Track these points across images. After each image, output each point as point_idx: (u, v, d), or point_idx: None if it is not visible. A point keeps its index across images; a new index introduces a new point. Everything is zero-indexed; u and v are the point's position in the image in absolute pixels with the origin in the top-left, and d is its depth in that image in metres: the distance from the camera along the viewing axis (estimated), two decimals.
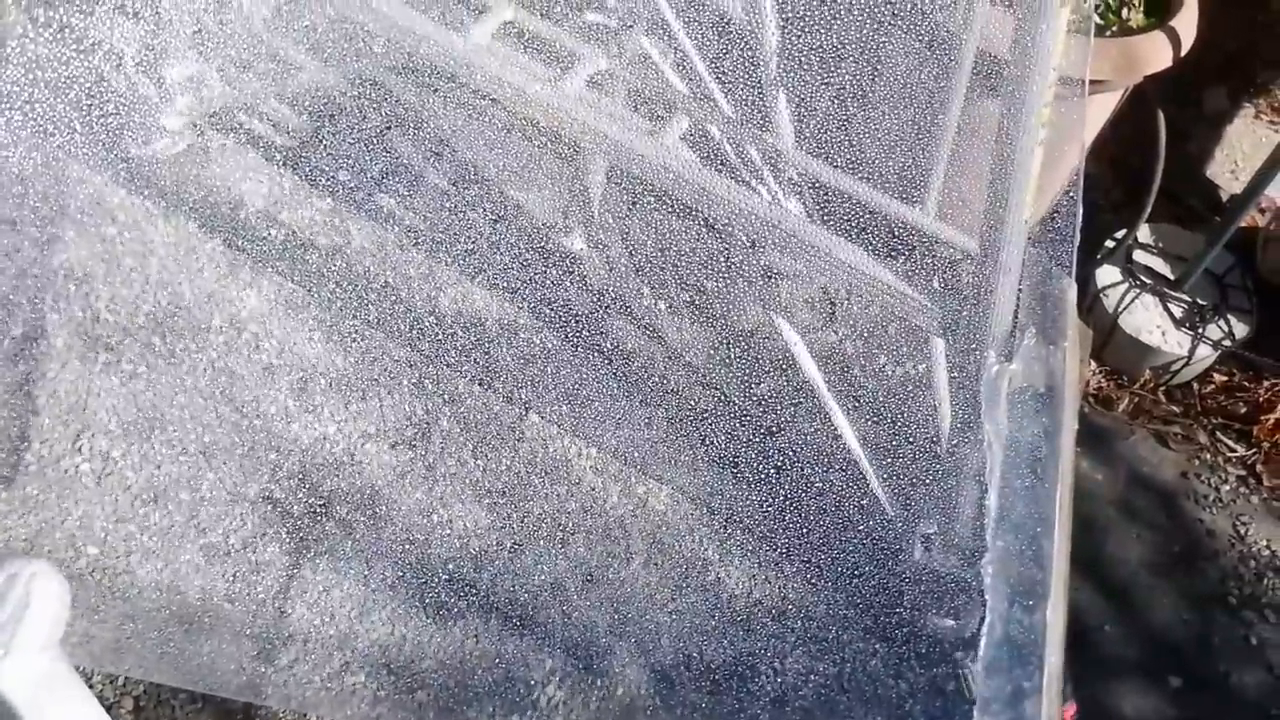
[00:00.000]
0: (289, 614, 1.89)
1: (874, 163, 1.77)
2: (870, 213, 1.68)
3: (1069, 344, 1.42)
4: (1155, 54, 2.17)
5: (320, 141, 2.20)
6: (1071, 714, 1.73)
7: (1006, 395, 1.38)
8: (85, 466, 1.98)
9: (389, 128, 2.26)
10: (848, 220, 1.69)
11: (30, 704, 1.08)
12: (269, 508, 1.96)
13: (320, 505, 1.97)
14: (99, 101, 2.08)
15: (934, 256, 1.65)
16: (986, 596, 1.25)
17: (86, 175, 2.21)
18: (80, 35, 1.97)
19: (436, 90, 1.91)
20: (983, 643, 1.22)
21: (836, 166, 1.73)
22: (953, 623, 1.69)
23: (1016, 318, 1.43)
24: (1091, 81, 2.15)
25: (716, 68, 1.83)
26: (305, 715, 1.96)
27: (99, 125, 2.09)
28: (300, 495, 1.98)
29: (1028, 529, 1.30)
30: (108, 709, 1.93)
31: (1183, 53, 2.20)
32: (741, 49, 1.74)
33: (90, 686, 1.97)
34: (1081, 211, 1.43)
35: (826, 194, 1.75)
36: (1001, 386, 1.38)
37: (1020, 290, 1.43)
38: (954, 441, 1.69)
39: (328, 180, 2.23)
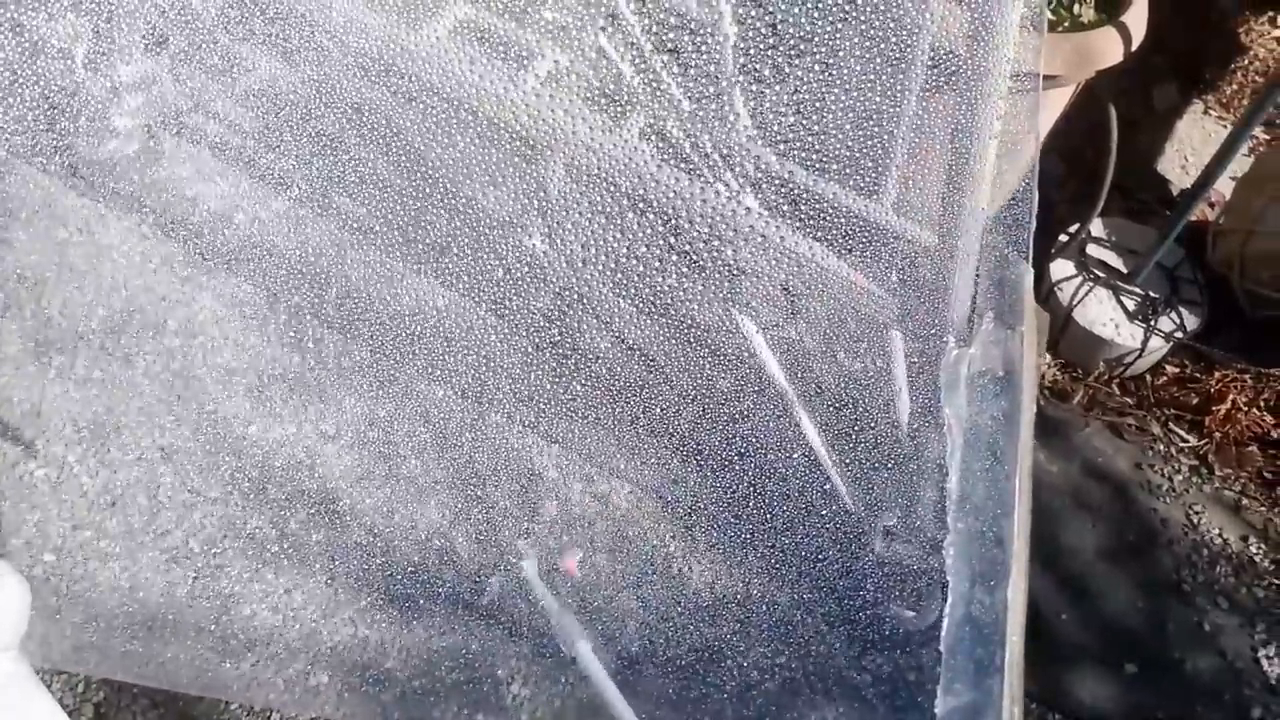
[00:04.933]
0: (251, 616, 1.88)
1: (832, 157, 1.78)
2: (829, 207, 1.69)
3: (1026, 328, 1.44)
4: (1107, 49, 2.20)
5: (274, 141, 2.19)
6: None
7: (965, 379, 1.40)
8: (40, 473, 1.96)
9: (344, 126, 2.24)
10: (807, 215, 1.70)
11: None
12: (229, 510, 1.94)
13: (281, 507, 1.95)
14: (49, 102, 2.05)
15: (892, 250, 1.66)
16: (948, 578, 1.26)
17: (36, 177, 2.18)
18: (30, 34, 1.94)
19: (391, 88, 1.90)
20: (945, 623, 1.24)
21: (795, 161, 1.74)
22: (913, 613, 1.70)
23: (974, 303, 1.45)
24: (1045, 76, 2.18)
25: (674, 63, 1.83)
26: (268, 717, 1.95)
27: (49, 126, 2.07)
28: (261, 497, 1.96)
29: (988, 511, 1.32)
30: (69, 715, 1.91)
31: (1134, 48, 2.23)
32: (699, 44, 1.75)
33: (50, 693, 1.95)
34: (1037, 198, 1.45)
35: (785, 189, 1.76)
36: (960, 371, 1.40)
37: (978, 276, 1.44)
38: (914, 434, 1.71)
39: (283, 180, 2.21)
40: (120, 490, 1.95)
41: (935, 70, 1.57)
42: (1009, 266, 1.47)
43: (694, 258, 1.94)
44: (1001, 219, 1.49)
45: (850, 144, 1.86)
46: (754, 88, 1.77)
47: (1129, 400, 2.73)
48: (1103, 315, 2.70)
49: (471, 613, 1.88)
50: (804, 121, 1.91)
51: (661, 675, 1.85)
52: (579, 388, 1.99)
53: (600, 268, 1.89)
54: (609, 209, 1.83)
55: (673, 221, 2.03)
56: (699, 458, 1.98)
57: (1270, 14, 3.88)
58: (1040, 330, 1.52)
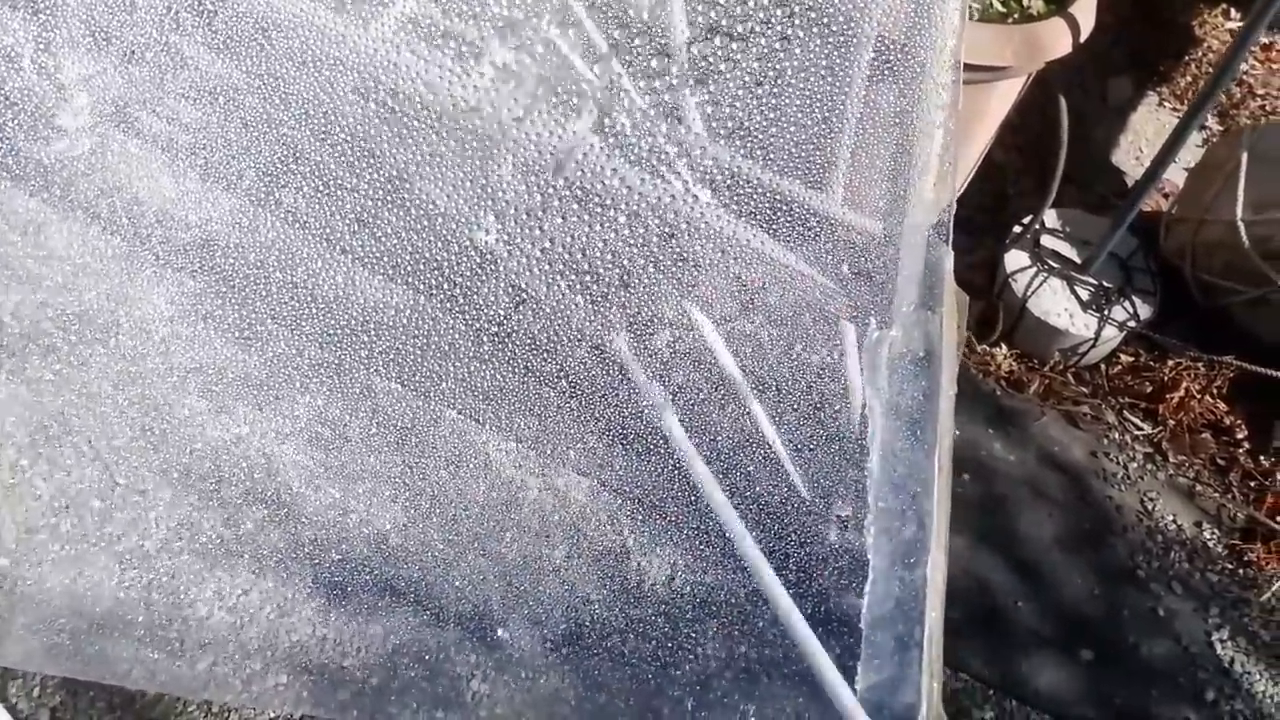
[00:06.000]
0: (208, 617, 1.87)
1: (782, 150, 1.79)
2: (780, 200, 1.70)
3: (946, 310, 1.46)
4: (1056, 40, 2.23)
5: (223, 139, 2.17)
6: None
7: (886, 361, 1.42)
8: None
9: (293, 122, 2.23)
10: (759, 208, 1.71)
11: None
12: (183, 511, 1.93)
13: (236, 507, 1.94)
14: None
15: (841, 242, 1.68)
16: (869, 556, 1.28)
17: None
18: None
19: (340, 83, 1.90)
20: (866, 600, 1.26)
21: (745, 154, 1.74)
22: (866, 602, 1.71)
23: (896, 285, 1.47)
24: (995, 68, 2.20)
25: (625, 57, 1.84)
26: (227, 717, 1.95)
27: None
28: (215, 498, 1.95)
29: (908, 489, 1.34)
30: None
31: (1082, 38, 2.26)
32: (649, 39, 1.75)
33: (5, 699, 1.93)
34: (956, 182, 1.47)
35: (738, 182, 1.77)
36: (881, 353, 1.42)
37: (900, 259, 1.46)
38: (864, 424, 1.72)
39: (232, 177, 2.20)
40: (74, 493, 1.93)
41: (880, 60, 1.58)
42: (929, 249, 1.48)
43: (648, 252, 1.94)
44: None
45: (799, 137, 1.87)
46: (704, 82, 1.78)
47: (1084, 389, 2.75)
48: (1057, 305, 2.72)
49: (428, 611, 1.88)
50: (753, 115, 1.92)
51: (618, 673, 1.85)
52: (533, 383, 2.00)
53: (553, 263, 1.90)
54: (561, 204, 1.84)
55: (626, 216, 2.03)
56: (655, 451, 1.98)
57: (1223, 6, 3.93)
58: (960, 312, 1.54)
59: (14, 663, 1.85)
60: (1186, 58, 3.77)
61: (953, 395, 1.42)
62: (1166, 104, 3.65)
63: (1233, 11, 3.93)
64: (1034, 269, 2.78)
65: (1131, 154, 3.45)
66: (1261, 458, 2.64)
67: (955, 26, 1.29)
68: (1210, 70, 3.70)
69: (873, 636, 1.24)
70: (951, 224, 1.47)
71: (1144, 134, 3.52)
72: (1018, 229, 2.85)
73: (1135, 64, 3.69)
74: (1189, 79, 3.72)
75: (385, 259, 2.02)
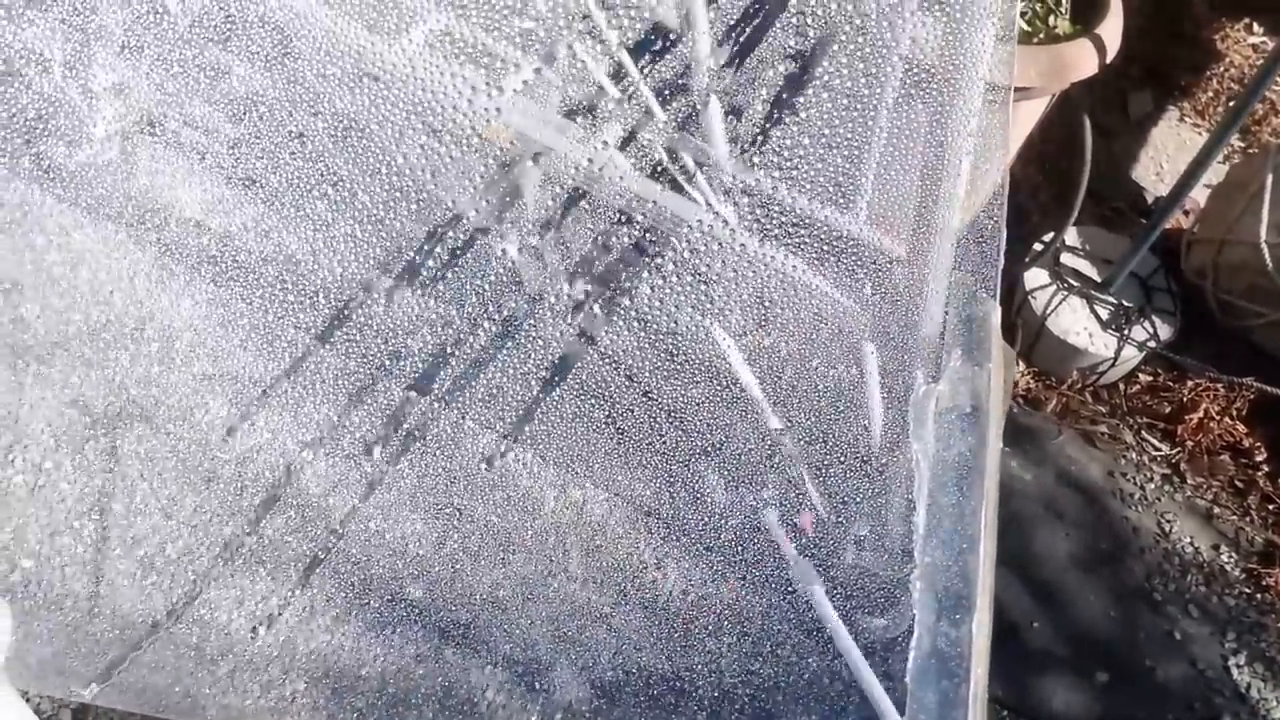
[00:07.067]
0: (228, 623, 1.88)
1: (807, 169, 1.80)
2: (804, 219, 1.71)
3: (993, 365, 1.47)
4: (1082, 60, 2.23)
5: (251, 147, 2.19)
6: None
7: (934, 415, 1.42)
8: (18, 479, 1.95)
9: (320, 133, 2.24)
10: (781, 226, 1.71)
11: None
12: (205, 517, 1.94)
13: (256, 515, 1.95)
14: (24, 109, 2.05)
15: (865, 262, 1.68)
16: (915, 611, 1.28)
17: (13, 184, 2.18)
18: (4, 41, 1.94)
19: (368, 96, 1.91)
20: (911, 655, 1.26)
21: (770, 173, 1.75)
22: (884, 622, 1.71)
23: (943, 338, 1.47)
24: (1020, 88, 2.20)
25: (651, 76, 1.84)
26: None
27: (25, 133, 2.06)
28: (237, 504, 1.96)
29: (954, 545, 1.34)
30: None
31: (1108, 59, 2.26)
32: (675, 57, 1.76)
33: (28, 699, 1.95)
34: (1005, 235, 1.47)
35: (760, 200, 1.77)
36: (929, 406, 1.42)
37: (946, 313, 1.46)
38: (885, 445, 1.72)
39: (259, 186, 2.21)
40: (98, 496, 1.95)
41: (909, 83, 1.59)
42: (977, 304, 1.49)
43: (669, 267, 1.95)
44: (968, 254, 1.51)
45: (824, 156, 1.87)
46: (729, 100, 1.79)
47: (1102, 409, 2.75)
48: (1076, 324, 2.72)
49: (445, 622, 1.89)
50: (779, 134, 1.92)
51: (633, 688, 1.85)
52: (553, 395, 2.00)
53: (575, 276, 1.91)
54: (585, 218, 1.85)
55: (648, 231, 2.04)
56: (671, 465, 1.99)
57: (1246, 20, 3.91)
58: (1007, 366, 1.54)
59: (35, 685, 1.86)
60: (1208, 72, 3.76)
61: (999, 450, 1.43)
62: (1187, 119, 3.64)
63: (1255, 25, 3.91)
64: (1053, 287, 2.77)
65: (1152, 169, 3.44)
66: None
67: (992, 53, 1.29)
68: (1233, 85, 3.69)
69: (918, 693, 1.24)
70: (999, 278, 1.47)
71: (1165, 149, 3.51)
72: (1038, 246, 2.84)
73: (1156, 78, 3.68)
74: (1210, 94, 3.71)
75: (409, 269, 2.03)
